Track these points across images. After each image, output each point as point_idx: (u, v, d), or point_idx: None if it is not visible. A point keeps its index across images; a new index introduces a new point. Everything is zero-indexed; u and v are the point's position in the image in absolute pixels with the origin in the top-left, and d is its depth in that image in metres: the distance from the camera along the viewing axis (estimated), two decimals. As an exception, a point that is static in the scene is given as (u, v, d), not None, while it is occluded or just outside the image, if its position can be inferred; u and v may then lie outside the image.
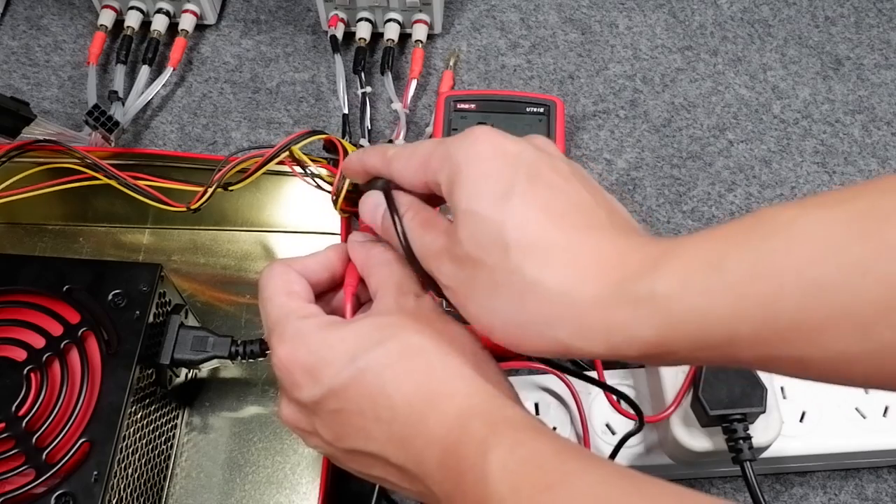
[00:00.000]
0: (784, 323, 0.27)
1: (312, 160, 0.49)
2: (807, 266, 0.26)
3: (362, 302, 0.41)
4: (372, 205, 0.39)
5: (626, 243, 0.31)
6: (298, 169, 0.49)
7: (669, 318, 0.28)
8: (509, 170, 0.32)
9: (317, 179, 0.48)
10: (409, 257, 0.36)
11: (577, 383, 0.51)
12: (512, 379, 0.53)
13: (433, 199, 0.38)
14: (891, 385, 0.27)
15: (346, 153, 0.50)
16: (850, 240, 0.26)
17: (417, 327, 0.35)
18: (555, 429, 0.51)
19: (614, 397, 0.50)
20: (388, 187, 0.38)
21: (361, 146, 0.60)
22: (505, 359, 0.55)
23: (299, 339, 0.35)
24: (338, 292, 0.42)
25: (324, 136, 0.50)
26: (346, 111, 0.62)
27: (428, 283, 0.36)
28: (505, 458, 0.30)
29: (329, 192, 0.48)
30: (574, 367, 0.57)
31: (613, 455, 0.49)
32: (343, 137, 0.61)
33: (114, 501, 0.43)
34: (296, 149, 0.48)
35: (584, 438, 0.50)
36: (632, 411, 0.50)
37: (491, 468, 0.30)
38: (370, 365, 0.33)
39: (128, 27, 0.66)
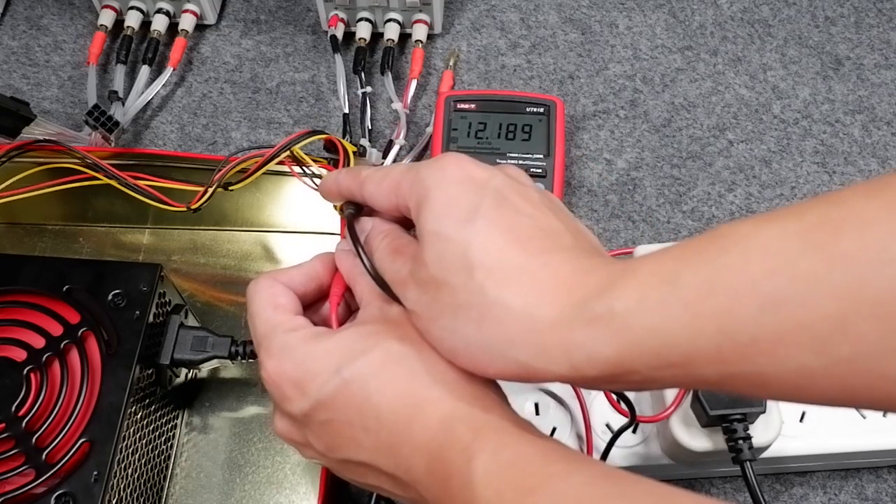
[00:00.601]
0: (741, 338, 0.26)
1: (314, 160, 0.49)
2: (761, 279, 0.26)
3: (353, 310, 0.41)
4: (345, 232, 0.39)
5: (588, 263, 0.31)
6: (298, 169, 0.49)
7: (628, 335, 0.28)
8: (476, 193, 0.33)
9: (315, 180, 0.48)
10: (379, 284, 0.36)
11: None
12: (512, 379, 0.54)
13: (406, 222, 0.38)
14: (852, 402, 0.26)
15: (345, 153, 0.50)
16: (803, 252, 0.25)
17: (400, 334, 0.35)
18: (554, 429, 0.51)
19: (614, 397, 0.50)
20: (351, 216, 0.39)
21: (362, 146, 0.60)
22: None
23: (286, 352, 0.36)
24: (326, 302, 0.42)
25: (324, 136, 0.50)
26: (346, 111, 0.62)
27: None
28: (488, 462, 0.30)
29: None
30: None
31: (607, 451, 0.49)
32: (344, 137, 0.61)
33: (114, 501, 0.43)
34: (296, 149, 0.48)
35: (586, 438, 0.50)
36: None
37: (475, 473, 0.30)
38: (355, 375, 0.34)
39: (128, 27, 0.66)
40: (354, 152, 0.53)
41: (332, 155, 0.51)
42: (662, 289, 0.28)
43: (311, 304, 0.41)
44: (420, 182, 0.34)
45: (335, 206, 0.48)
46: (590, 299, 0.29)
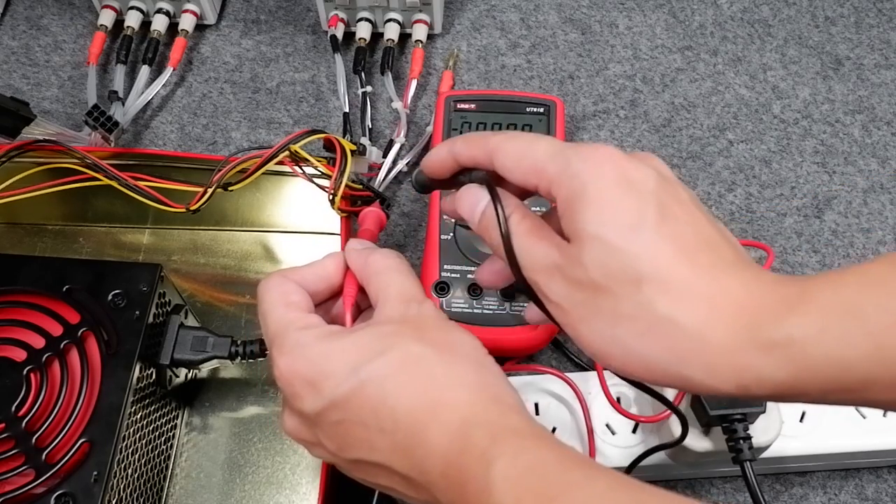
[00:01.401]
0: None
1: (317, 160, 0.49)
2: None
3: (362, 309, 0.41)
4: (472, 199, 0.36)
5: (758, 285, 0.30)
6: (299, 169, 0.49)
7: (804, 362, 0.28)
8: (638, 199, 0.31)
9: (311, 172, 0.48)
10: (511, 261, 0.34)
11: (580, 383, 0.51)
12: (512, 380, 0.53)
13: (524, 193, 0.36)
14: None
15: (342, 151, 0.50)
16: None
17: (418, 336, 0.35)
18: (554, 430, 0.51)
19: (614, 397, 0.50)
20: (490, 181, 0.35)
21: (362, 145, 0.60)
22: (503, 361, 0.55)
23: (299, 350, 0.35)
24: (338, 301, 0.42)
25: (323, 135, 0.50)
26: (346, 110, 0.62)
27: (527, 291, 0.34)
28: (507, 468, 0.30)
29: (327, 189, 0.48)
30: (579, 367, 0.57)
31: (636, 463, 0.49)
32: (344, 136, 0.61)
33: (113, 501, 0.43)
34: (295, 147, 0.48)
35: (588, 439, 0.50)
36: (633, 412, 0.50)
37: (494, 479, 0.30)
38: (371, 376, 0.33)
39: (128, 27, 0.66)
40: (354, 151, 0.53)
41: (333, 154, 0.51)
42: (845, 319, 0.28)
43: (321, 304, 0.41)
44: (574, 176, 0.32)
45: (332, 206, 0.48)
46: (766, 323, 0.29)
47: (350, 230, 0.54)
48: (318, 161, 0.49)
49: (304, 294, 0.39)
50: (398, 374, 0.33)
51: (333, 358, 0.35)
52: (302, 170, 0.49)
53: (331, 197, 0.48)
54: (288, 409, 0.37)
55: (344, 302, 0.40)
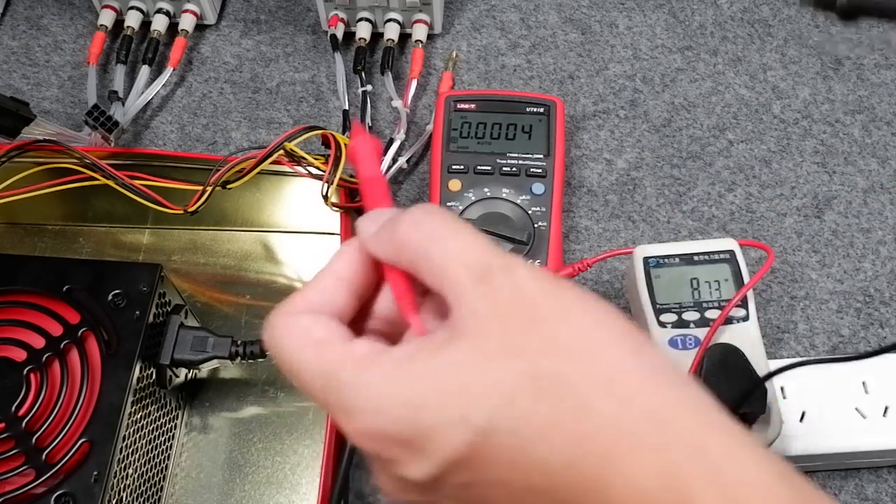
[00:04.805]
0: None
1: (314, 157, 0.49)
2: None
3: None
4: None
5: None
6: (301, 169, 0.49)
7: None
8: None
9: (309, 168, 0.48)
10: None
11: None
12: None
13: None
14: None
15: (338, 145, 0.50)
16: None
17: (534, 336, 0.24)
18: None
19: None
20: None
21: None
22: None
23: (370, 403, 0.25)
24: (376, 300, 0.30)
25: (319, 131, 0.50)
26: (346, 108, 0.62)
27: None
28: None
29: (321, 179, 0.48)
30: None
31: None
32: (343, 134, 0.61)
33: (114, 501, 0.43)
34: (290, 145, 0.48)
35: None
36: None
37: None
38: (494, 424, 0.24)
39: (128, 27, 0.66)
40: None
41: (330, 151, 0.51)
42: None
43: (358, 318, 0.30)
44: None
45: (325, 202, 0.48)
46: None
47: (350, 229, 0.54)
48: (316, 159, 0.49)
49: (328, 319, 0.28)
50: (533, 412, 0.24)
51: (428, 404, 0.24)
52: (305, 169, 0.49)
53: (325, 190, 0.48)
54: (384, 474, 0.27)
55: (401, 306, 0.28)
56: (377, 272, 0.30)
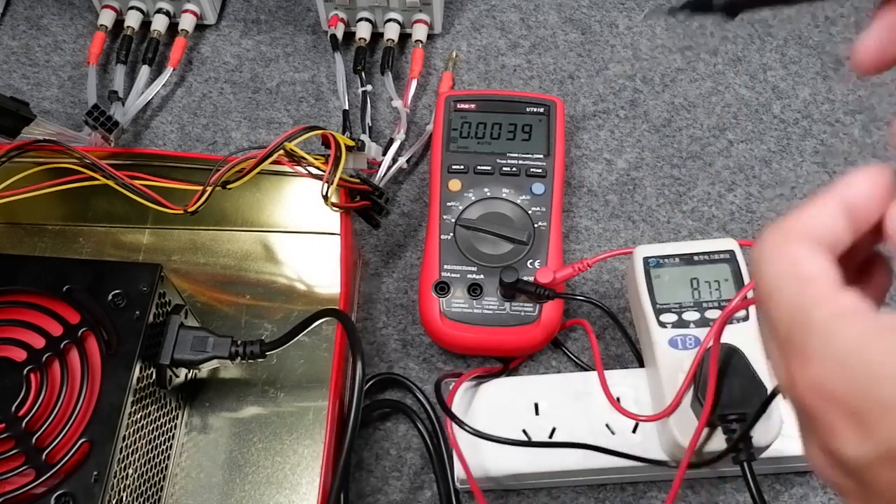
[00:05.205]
0: None
1: (314, 157, 0.49)
2: None
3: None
4: None
5: None
6: (301, 169, 0.49)
7: None
8: None
9: (309, 168, 0.48)
10: None
11: (580, 383, 0.51)
12: (512, 379, 0.54)
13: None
14: None
15: (338, 145, 0.50)
16: None
17: None
18: (554, 430, 0.51)
19: (614, 397, 0.50)
20: None
21: (361, 140, 0.59)
22: (504, 361, 0.55)
23: (835, 354, 0.23)
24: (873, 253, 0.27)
25: (319, 131, 0.50)
26: (346, 108, 0.62)
27: None
28: None
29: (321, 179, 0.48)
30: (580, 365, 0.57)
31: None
32: (343, 133, 0.61)
33: (113, 502, 0.43)
34: (290, 145, 0.48)
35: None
36: (633, 412, 0.50)
37: None
38: None
39: (128, 27, 0.66)
40: (353, 146, 0.53)
41: (330, 151, 0.51)
42: None
43: (848, 264, 0.26)
44: None
45: (325, 201, 0.48)
46: None
47: (350, 229, 0.54)
48: (316, 159, 0.49)
49: (826, 257, 0.25)
50: None
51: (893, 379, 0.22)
52: (305, 168, 0.49)
53: (325, 190, 0.48)
54: (815, 442, 0.25)
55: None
56: (879, 215, 0.26)
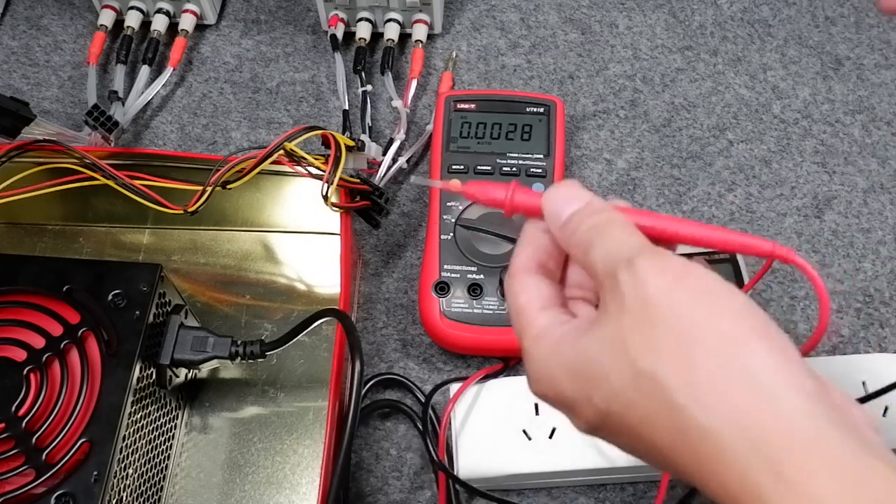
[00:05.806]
0: None
1: (314, 157, 0.49)
2: None
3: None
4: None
5: None
6: (301, 169, 0.49)
7: None
8: None
9: (309, 168, 0.48)
10: None
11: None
12: (512, 379, 0.54)
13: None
14: None
15: (338, 145, 0.50)
16: None
17: (640, 341, 0.28)
18: (554, 430, 0.51)
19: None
20: None
21: (361, 140, 0.60)
22: (504, 361, 0.55)
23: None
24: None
25: (319, 131, 0.50)
26: (346, 108, 0.62)
27: None
28: None
29: (320, 179, 0.48)
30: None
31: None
32: (343, 133, 0.61)
33: (114, 501, 0.43)
34: (290, 145, 0.48)
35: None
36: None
37: None
38: (611, 407, 0.29)
39: (128, 27, 0.66)
40: (353, 146, 0.53)
41: (330, 151, 0.51)
42: None
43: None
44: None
45: (325, 201, 0.48)
46: None
47: (350, 229, 0.54)
48: (316, 159, 0.49)
49: (538, 278, 0.33)
50: (634, 403, 0.28)
51: (566, 385, 0.30)
52: (305, 168, 0.49)
53: (325, 190, 0.48)
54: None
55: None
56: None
